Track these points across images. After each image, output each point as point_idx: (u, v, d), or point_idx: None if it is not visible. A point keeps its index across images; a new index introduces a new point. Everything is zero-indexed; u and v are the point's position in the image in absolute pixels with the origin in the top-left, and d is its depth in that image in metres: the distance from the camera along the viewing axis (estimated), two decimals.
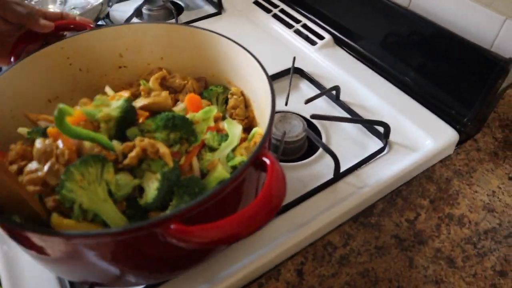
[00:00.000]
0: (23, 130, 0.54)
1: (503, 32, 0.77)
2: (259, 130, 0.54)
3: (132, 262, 0.46)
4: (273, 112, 0.49)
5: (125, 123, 0.51)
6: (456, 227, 0.64)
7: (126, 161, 0.48)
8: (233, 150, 0.52)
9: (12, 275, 0.56)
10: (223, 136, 0.52)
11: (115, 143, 0.49)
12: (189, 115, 0.50)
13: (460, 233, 0.64)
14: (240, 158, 0.50)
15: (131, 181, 0.48)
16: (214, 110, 0.52)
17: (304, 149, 0.75)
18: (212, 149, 0.51)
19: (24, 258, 0.58)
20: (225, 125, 0.53)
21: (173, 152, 0.48)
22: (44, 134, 0.52)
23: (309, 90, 0.86)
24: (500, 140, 0.78)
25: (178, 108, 0.55)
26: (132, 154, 0.48)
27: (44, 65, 0.63)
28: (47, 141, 0.48)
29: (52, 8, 1.02)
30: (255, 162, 0.43)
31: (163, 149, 0.47)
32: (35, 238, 0.42)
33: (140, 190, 0.49)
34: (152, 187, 0.46)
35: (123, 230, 0.38)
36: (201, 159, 0.50)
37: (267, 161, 0.43)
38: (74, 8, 1.02)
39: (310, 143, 0.76)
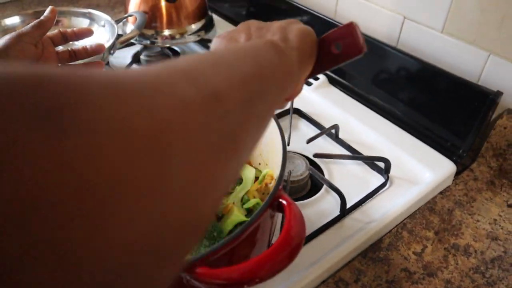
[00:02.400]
0: None
1: (487, 67, 0.81)
2: (270, 172, 0.56)
3: None
4: (285, 154, 0.51)
5: None
6: (463, 257, 0.66)
7: None
8: (246, 192, 0.54)
9: None
10: (237, 179, 0.54)
11: None
12: None
13: (468, 263, 0.65)
14: (255, 200, 0.51)
15: None
16: None
17: (307, 187, 0.77)
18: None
19: None
20: None
21: None
22: None
23: (308, 129, 0.89)
24: (495, 169, 0.81)
25: None
26: None
27: None
28: None
29: None
30: (273, 203, 0.45)
31: None
32: None
33: None
34: None
35: None
36: None
37: (284, 202, 0.44)
38: None
39: (312, 182, 0.77)
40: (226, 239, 0.41)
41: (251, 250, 0.48)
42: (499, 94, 0.75)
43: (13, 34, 0.65)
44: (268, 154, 0.62)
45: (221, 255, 0.41)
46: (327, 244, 0.65)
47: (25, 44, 0.65)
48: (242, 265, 0.39)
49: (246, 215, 0.52)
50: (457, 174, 0.80)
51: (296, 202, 0.72)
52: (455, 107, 0.81)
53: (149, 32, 1.09)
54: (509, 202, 0.75)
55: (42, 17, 0.70)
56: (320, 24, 1.03)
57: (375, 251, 0.66)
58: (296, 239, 0.40)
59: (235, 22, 1.28)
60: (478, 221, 0.72)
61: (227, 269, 0.39)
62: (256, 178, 0.59)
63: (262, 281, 0.39)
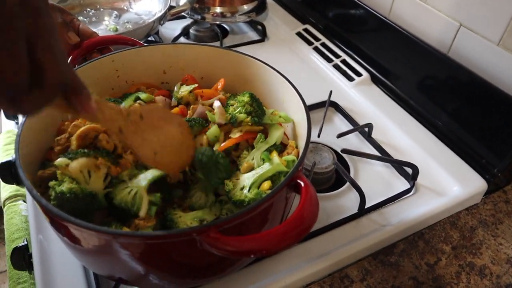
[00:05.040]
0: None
1: None
2: (292, 143, 0.58)
3: (162, 265, 0.48)
4: (308, 138, 0.51)
5: None
6: (477, 277, 0.64)
7: None
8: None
9: (44, 262, 0.60)
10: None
11: None
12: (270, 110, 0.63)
13: (480, 284, 0.63)
14: (292, 156, 0.55)
15: None
16: (291, 120, 0.62)
17: (332, 181, 0.77)
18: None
19: (56, 248, 0.61)
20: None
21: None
22: None
23: (342, 124, 0.88)
24: None
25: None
26: None
27: (95, 75, 0.67)
28: None
29: (108, 21, 1.08)
30: (290, 183, 0.45)
31: None
32: (77, 231, 0.44)
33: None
34: None
35: (167, 234, 0.40)
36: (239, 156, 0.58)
37: (302, 183, 0.44)
38: (127, 22, 1.08)
39: (338, 176, 0.77)
40: (240, 211, 0.42)
41: (263, 225, 0.49)
42: None
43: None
44: (293, 137, 0.62)
45: (235, 225, 0.43)
46: (340, 239, 0.64)
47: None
48: (252, 236, 0.40)
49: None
50: (488, 193, 0.77)
51: (318, 194, 0.72)
52: (497, 125, 0.77)
53: (201, 7, 1.11)
54: None
55: (69, 34, 0.71)
56: (373, 21, 1.01)
57: (387, 255, 0.65)
58: (308, 221, 0.41)
59: (288, 9, 1.27)
60: (500, 244, 0.69)
61: (237, 238, 0.40)
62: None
63: (269, 254, 0.40)
